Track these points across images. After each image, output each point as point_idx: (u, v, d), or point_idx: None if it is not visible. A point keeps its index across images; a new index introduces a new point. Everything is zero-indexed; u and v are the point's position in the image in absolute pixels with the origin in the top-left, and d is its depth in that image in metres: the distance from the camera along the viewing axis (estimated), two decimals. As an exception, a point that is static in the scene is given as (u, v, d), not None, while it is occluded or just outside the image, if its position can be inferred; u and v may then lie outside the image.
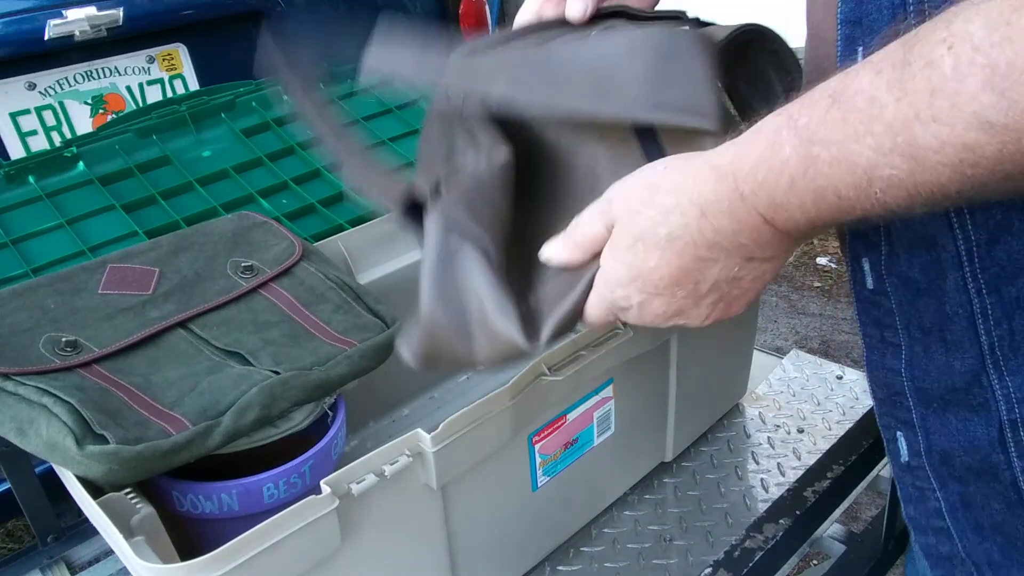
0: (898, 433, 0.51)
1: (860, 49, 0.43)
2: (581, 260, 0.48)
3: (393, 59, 0.59)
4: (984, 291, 0.43)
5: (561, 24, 0.57)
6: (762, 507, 0.79)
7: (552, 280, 0.50)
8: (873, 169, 0.35)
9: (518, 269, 0.51)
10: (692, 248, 0.42)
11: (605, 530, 0.80)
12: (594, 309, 0.48)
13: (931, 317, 0.46)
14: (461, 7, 1.78)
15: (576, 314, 0.49)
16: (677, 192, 0.42)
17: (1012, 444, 0.45)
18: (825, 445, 0.87)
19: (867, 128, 0.34)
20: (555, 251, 0.49)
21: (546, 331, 0.49)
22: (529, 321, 0.49)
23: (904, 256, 0.45)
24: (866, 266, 0.48)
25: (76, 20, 1.34)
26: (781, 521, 0.75)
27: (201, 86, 1.50)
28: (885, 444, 0.53)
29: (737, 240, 0.41)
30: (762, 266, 0.44)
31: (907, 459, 0.51)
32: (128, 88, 1.49)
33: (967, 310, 0.43)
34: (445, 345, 0.50)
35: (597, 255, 0.47)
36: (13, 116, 1.40)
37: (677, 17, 0.57)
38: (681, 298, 0.45)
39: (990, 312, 0.43)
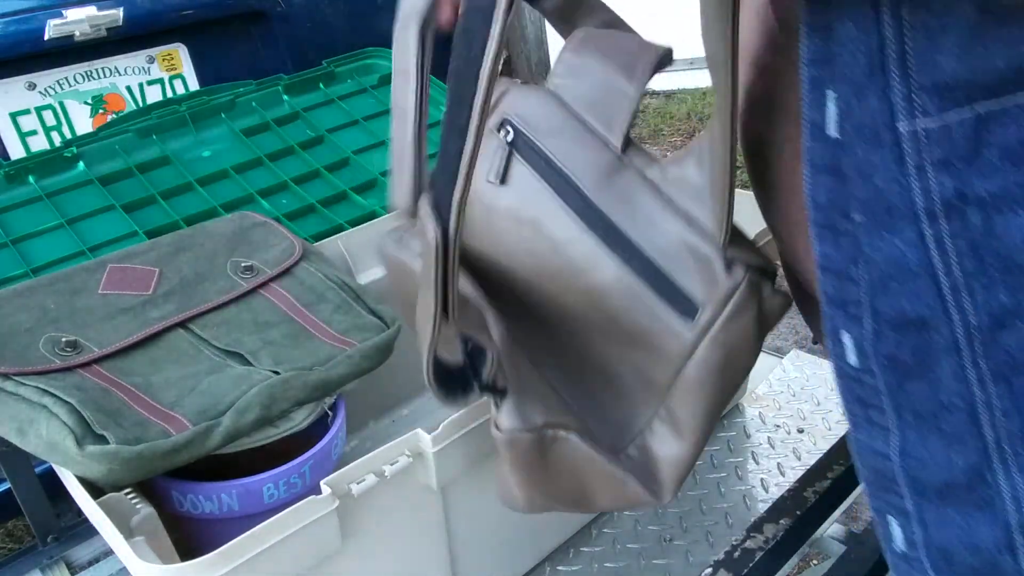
0: (890, 518, 0.46)
1: (829, 92, 0.37)
2: None
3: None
4: (989, 380, 0.37)
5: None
6: (762, 507, 0.79)
7: (648, 431, 0.50)
8: None
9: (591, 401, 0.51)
10: None
11: (605, 530, 0.80)
12: None
13: (924, 404, 0.40)
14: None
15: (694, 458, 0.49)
16: None
17: (1022, 549, 0.40)
18: (825, 445, 0.87)
19: None
20: None
21: (671, 487, 0.49)
22: (646, 476, 0.48)
23: (891, 336, 0.40)
24: (847, 341, 0.42)
25: (76, 20, 1.34)
26: (781, 521, 0.75)
27: (201, 86, 1.50)
28: (875, 525, 0.48)
29: None
30: None
31: (903, 549, 0.46)
32: (128, 88, 1.49)
33: (967, 401, 0.38)
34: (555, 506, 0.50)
35: None
36: (13, 116, 1.39)
37: None
38: None
39: (996, 403, 0.37)
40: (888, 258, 0.36)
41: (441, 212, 0.39)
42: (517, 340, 0.51)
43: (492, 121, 0.54)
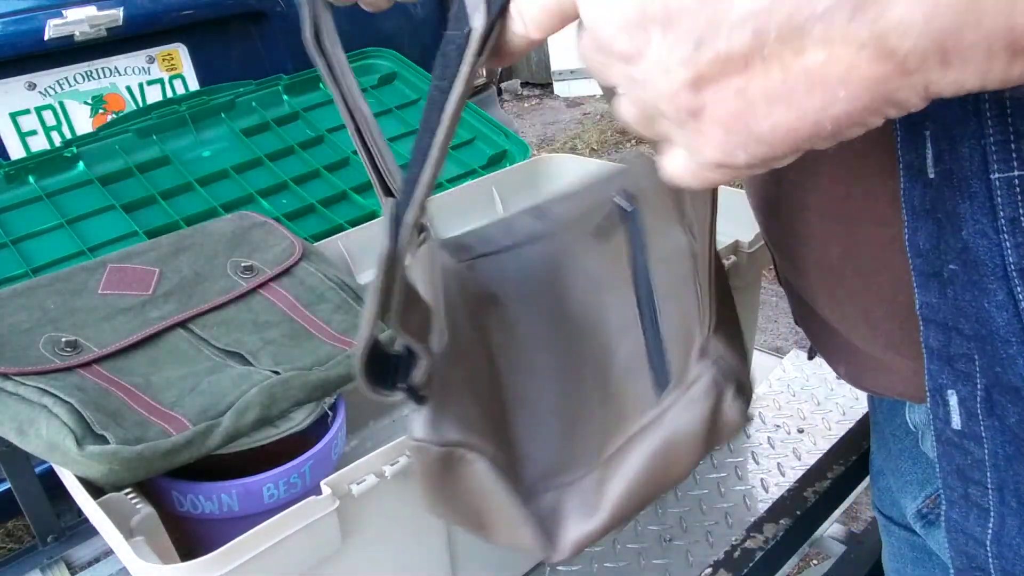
0: None
1: (927, 132, 0.33)
2: None
3: None
4: None
5: None
6: (762, 507, 0.79)
7: (573, 488, 0.49)
8: None
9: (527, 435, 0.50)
10: None
11: (605, 530, 0.80)
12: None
13: None
14: (461, 7, 1.77)
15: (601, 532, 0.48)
16: None
17: None
18: (825, 445, 0.87)
19: None
20: None
21: (566, 550, 0.48)
22: (547, 528, 0.48)
23: (1001, 400, 0.35)
24: (952, 400, 0.37)
25: (76, 20, 1.34)
26: (781, 521, 0.75)
27: (201, 86, 1.50)
28: None
29: None
30: (819, 61, 0.23)
31: None
32: (128, 88, 1.49)
33: None
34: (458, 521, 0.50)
35: None
36: (13, 116, 1.39)
37: None
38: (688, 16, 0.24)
39: None
40: (979, 318, 0.33)
41: (399, 226, 0.40)
42: (480, 353, 0.52)
43: (617, 186, 0.56)
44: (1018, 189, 0.30)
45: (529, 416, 0.51)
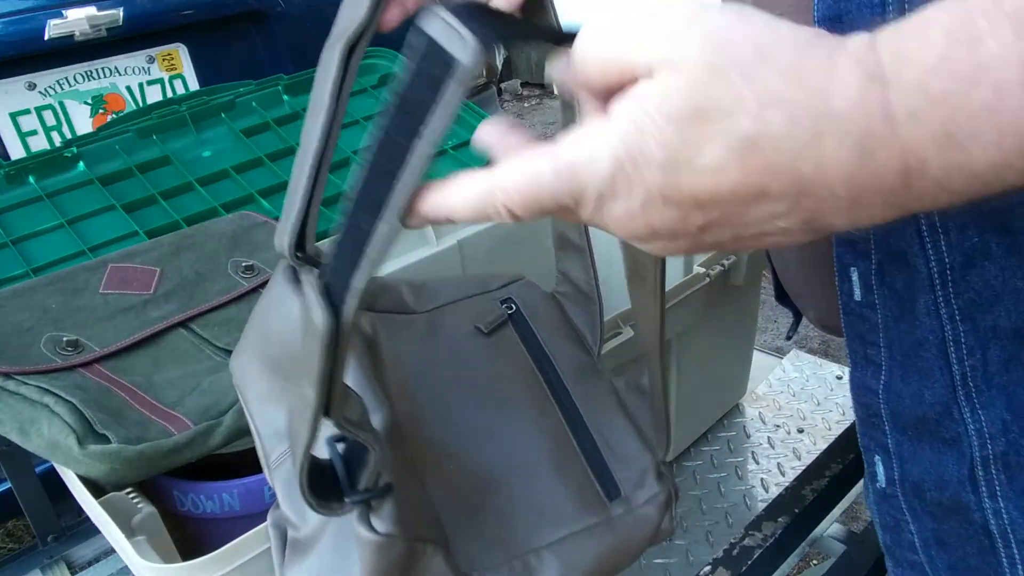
0: (876, 457, 0.48)
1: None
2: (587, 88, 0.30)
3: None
4: (958, 318, 0.39)
5: None
6: (762, 507, 0.79)
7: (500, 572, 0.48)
8: None
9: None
10: (765, 172, 0.26)
11: (605, 529, 0.80)
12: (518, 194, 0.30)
13: (908, 340, 0.42)
14: (461, 7, 1.77)
15: None
16: (796, 83, 0.25)
17: (983, 483, 0.41)
18: (825, 445, 0.87)
19: None
20: None
21: None
22: None
23: (891, 269, 0.41)
24: (854, 275, 0.44)
25: (76, 20, 1.34)
26: (780, 519, 0.76)
27: (201, 86, 1.50)
28: (865, 467, 0.50)
29: (833, 188, 0.26)
30: (806, 229, 0.28)
31: (883, 485, 0.48)
32: (128, 88, 1.49)
33: (938, 336, 0.40)
34: None
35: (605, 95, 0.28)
36: (13, 116, 1.39)
37: None
38: (688, 227, 0.28)
39: (963, 340, 0.39)
40: None
41: (333, 297, 0.33)
42: (409, 443, 0.50)
43: (499, 294, 0.59)
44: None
45: (449, 504, 0.50)
